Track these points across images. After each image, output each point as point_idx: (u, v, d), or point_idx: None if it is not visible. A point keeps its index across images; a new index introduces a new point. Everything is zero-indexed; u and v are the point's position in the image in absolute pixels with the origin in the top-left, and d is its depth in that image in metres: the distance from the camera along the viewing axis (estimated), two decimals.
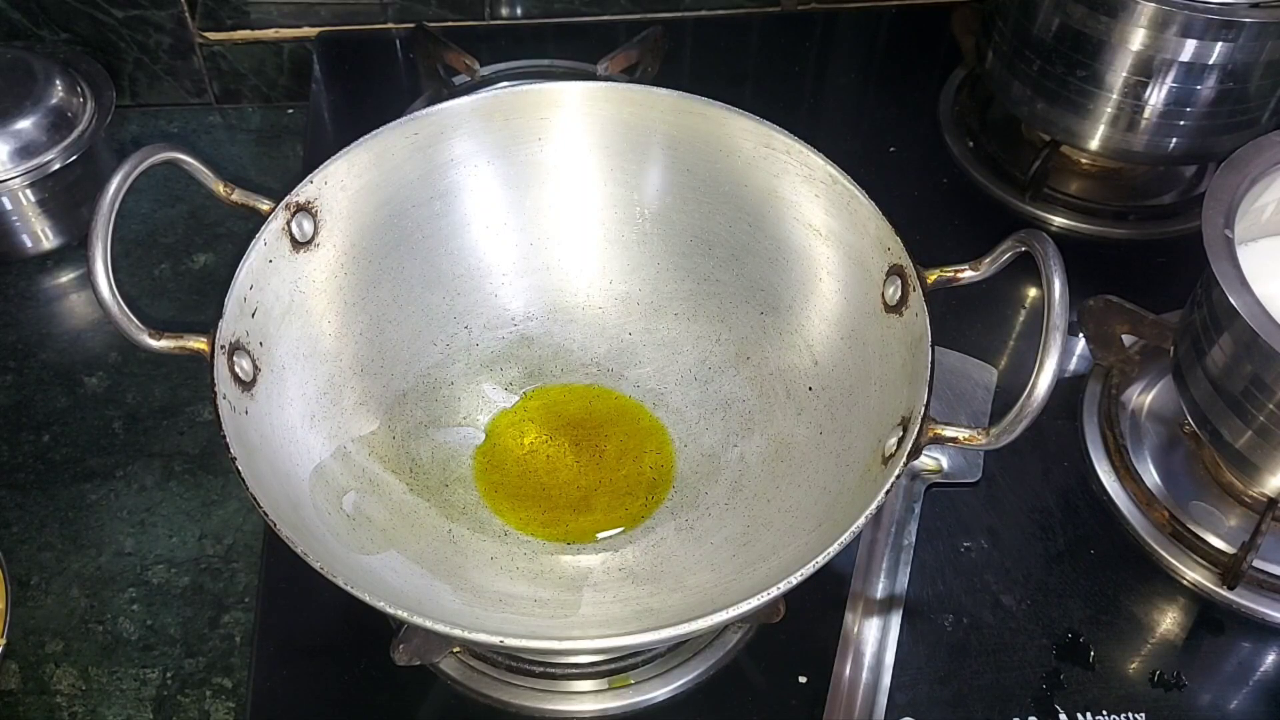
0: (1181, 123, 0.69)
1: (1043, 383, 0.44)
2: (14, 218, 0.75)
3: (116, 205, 0.50)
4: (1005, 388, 0.66)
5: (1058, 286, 0.45)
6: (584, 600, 0.54)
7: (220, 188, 0.54)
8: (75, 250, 0.77)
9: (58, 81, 0.76)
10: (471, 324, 0.64)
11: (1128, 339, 0.66)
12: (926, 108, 0.84)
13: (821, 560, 0.44)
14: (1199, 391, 0.58)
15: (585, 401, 0.63)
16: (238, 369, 0.51)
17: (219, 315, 0.50)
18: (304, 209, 0.56)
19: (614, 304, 0.65)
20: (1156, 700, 0.55)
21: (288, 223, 0.55)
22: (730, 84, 0.86)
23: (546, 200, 0.63)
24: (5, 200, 0.73)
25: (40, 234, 0.76)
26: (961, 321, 0.69)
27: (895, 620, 0.57)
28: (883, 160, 0.80)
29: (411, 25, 0.84)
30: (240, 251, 0.53)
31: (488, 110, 0.60)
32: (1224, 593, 0.58)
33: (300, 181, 0.56)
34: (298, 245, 0.56)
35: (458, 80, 0.81)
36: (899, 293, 0.52)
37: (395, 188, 0.59)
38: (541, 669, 0.55)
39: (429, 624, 0.42)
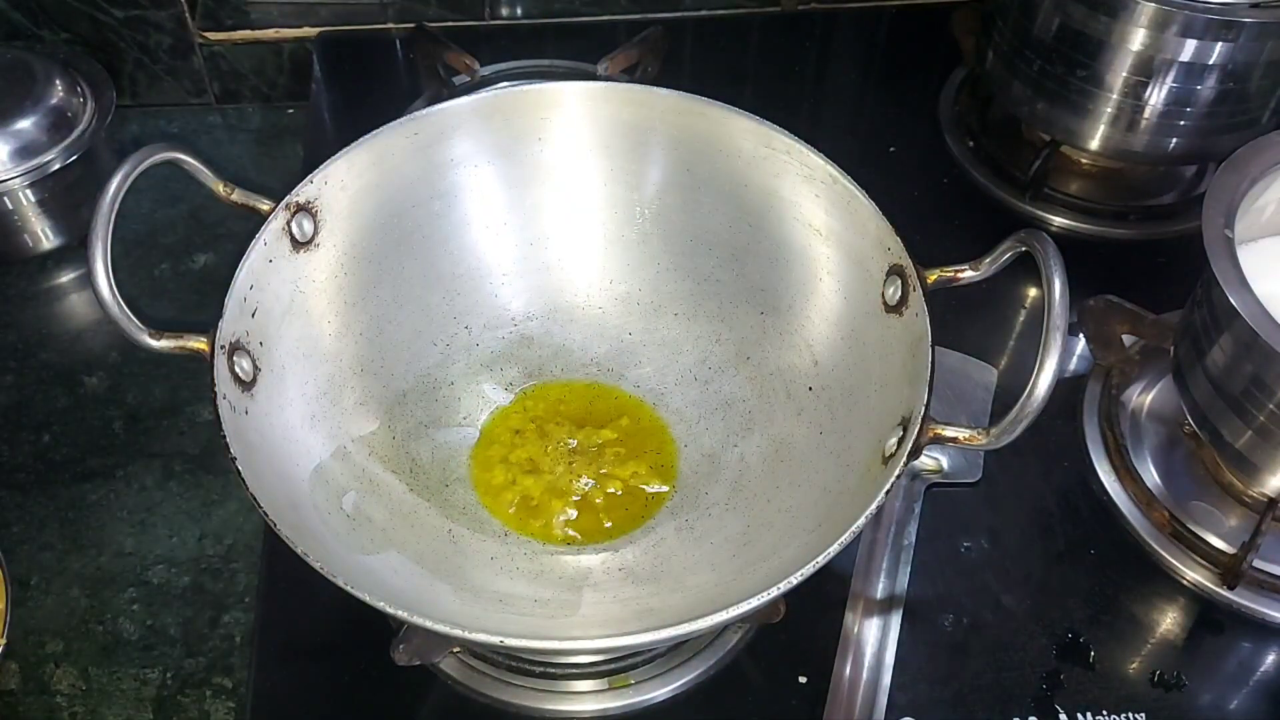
0: (1181, 123, 0.69)
1: (1043, 383, 0.44)
2: (14, 218, 0.75)
3: (116, 205, 0.50)
4: (1005, 388, 0.66)
5: (1058, 286, 0.45)
6: (584, 600, 0.54)
7: (220, 188, 0.54)
8: (75, 250, 0.77)
9: (58, 81, 0.76)
10: (471, 324, 0.64)
11: (1128, 339, 0.66)
12: (926, 108, 0.84)
13: (821, 560, 0.44)
14: (1199, 391, 0.58)
15: (585, 401, 0.63)
16: (238, 369, 0.51)
17: (219, 315, 0.50)
18: (304, 209, 0.56)
19: (614, 304, 0.65)
20: (1156, 700, 0.55)
21: (288, 223, 0.55)
22: (730, 84, 0.86)
23: (546, 200, 0.63)
24: (5, 200, 0.73)
25: (40, 234, 0.76)
26: (961, 321, 0.69)
27: (895, 620, 0.57)
28: (883, 160, 0.80)
29: (411, 25, 0.84)
30: (240, 251, 0.53)
31: (488, 110, 0.60)
32: (1224, 593, 0.58)
33: (300, 181, 0.56)
34: (298, 245, 0.56)
35: (458, 80, 0.81)
36: (899, 293, 0.52)
37: (395, 188, 0.59)
38: (541, 669, 0.55)
39: (429, 624, 0.42)
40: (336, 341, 0.58)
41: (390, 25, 0.88)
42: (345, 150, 0.57)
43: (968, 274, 0.51)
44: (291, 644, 0.57)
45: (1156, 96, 0.68)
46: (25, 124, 0.73)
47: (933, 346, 0.49)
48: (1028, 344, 0.70)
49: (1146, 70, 0.67)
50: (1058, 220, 0.76)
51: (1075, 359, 0.68)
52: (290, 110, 0.89)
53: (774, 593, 0.43)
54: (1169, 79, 0.67)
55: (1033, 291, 0.72)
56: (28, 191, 0.74)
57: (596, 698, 0.55)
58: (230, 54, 0.87)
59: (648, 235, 0.64)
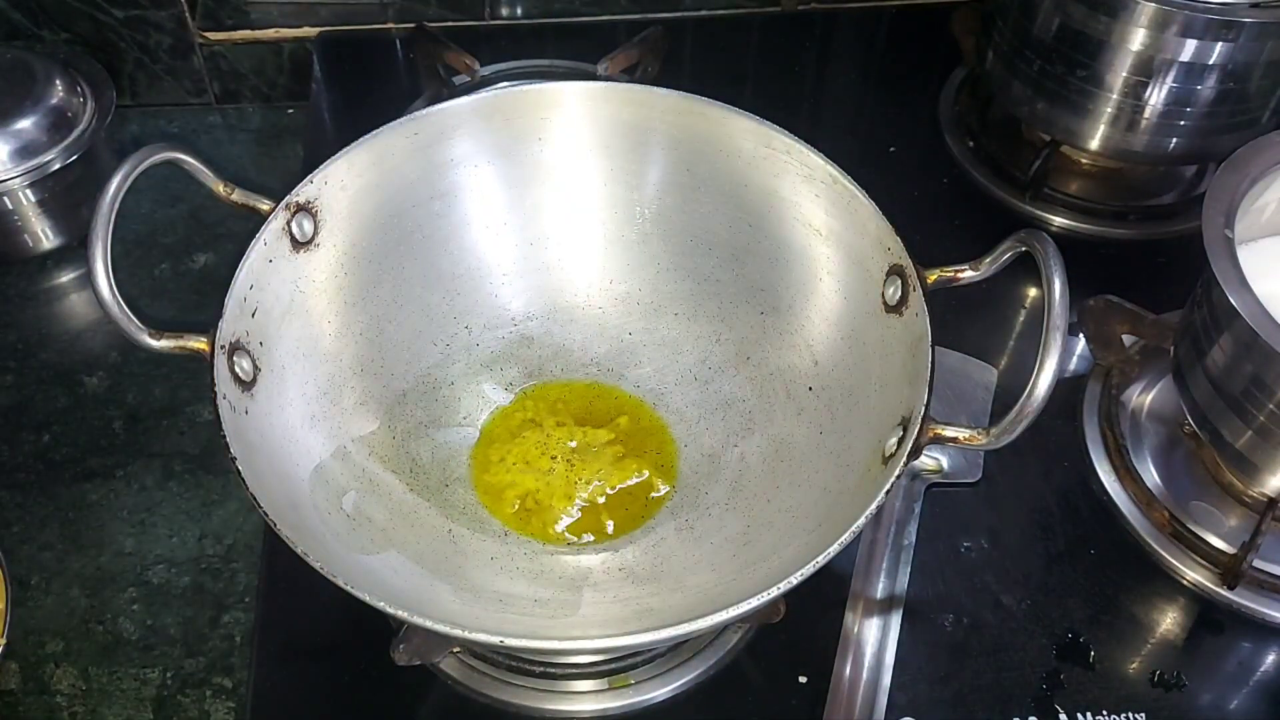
0: (1181, 123, 0.69)
1: (1043, 383, 0.44)
2: (14, 218, 0.75)
3: (116, 205, 0.50)
4: (1005, 388, 0.66)
5: (1058, 286, 0.45)
6: (584, 600, 0.54)
7: (220, 188, 0.54)
8: (75, 250, 0.77)
9: (58, 81, 0.76)
10: (471, 324, 0.64)
11: (1128, 339, 0.66)
12: (926, 108, 0.84)
13: (821, 560, 0.44)
14: (1199, 391, 0.58)
15: (585, 401, 0.63)
16: (238, 369, 0.51)
17: (219, 315, 0.50)
18: (304, 209, 0.56)
19: (614, 304, 0.65)
20: (1156, 700, 0.55)
21: (288, 223, 0.55)
22: (730, 84, 0.86)
23: (546, 200, 0.63)
24: (5, 200, 0.73)
25: (40, 234, 0.76)
26: (961, 321, 0.69)
27: (895, 620, 0.57)
28: (883, 160, 0.80)
29: (411, 25, 0.84)
30: (240, 251, 0.53)
31: (488, 110, 0.60)
32: (1224, 593, 0.58)
33: (300, 181, 0.56)
34: (298, 245, 0.56)
35: (458, 80, 0.81)
36: (899, 293, 0.52)
37: (395, 188, 0.59)
38: (541, 669, 0.55)
39: (429, 624, 0.42)
40: (336, 341, 0.58)
41: (390, 25, 0.88)
42: (345, 150, 0.57)
43: (968, 274, 0.51)
44: (291, 644, 0.57)
45: (1156, 96, 0.68)
46: (25, 124, 0.73)
47: (933, 346, 0.49)
48: (1028, 344, 0.70)
49: (1146, 70, 0.67)
50: (1058, 220, 0.76)
51: (1075, 359, 0.68)
52: (290, 110, 0.89)
53: (774, 593, 0.43)
54: (1169, 79, 0.67)
55: (1033, 291, 0.72)
56: (28, 191, 0.74)
57: (596, 698, 0.55)
58: (230, 54, 0.87)
59: (648, 235, 0.64)
